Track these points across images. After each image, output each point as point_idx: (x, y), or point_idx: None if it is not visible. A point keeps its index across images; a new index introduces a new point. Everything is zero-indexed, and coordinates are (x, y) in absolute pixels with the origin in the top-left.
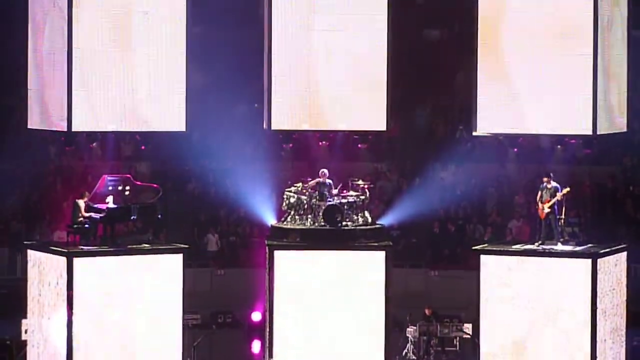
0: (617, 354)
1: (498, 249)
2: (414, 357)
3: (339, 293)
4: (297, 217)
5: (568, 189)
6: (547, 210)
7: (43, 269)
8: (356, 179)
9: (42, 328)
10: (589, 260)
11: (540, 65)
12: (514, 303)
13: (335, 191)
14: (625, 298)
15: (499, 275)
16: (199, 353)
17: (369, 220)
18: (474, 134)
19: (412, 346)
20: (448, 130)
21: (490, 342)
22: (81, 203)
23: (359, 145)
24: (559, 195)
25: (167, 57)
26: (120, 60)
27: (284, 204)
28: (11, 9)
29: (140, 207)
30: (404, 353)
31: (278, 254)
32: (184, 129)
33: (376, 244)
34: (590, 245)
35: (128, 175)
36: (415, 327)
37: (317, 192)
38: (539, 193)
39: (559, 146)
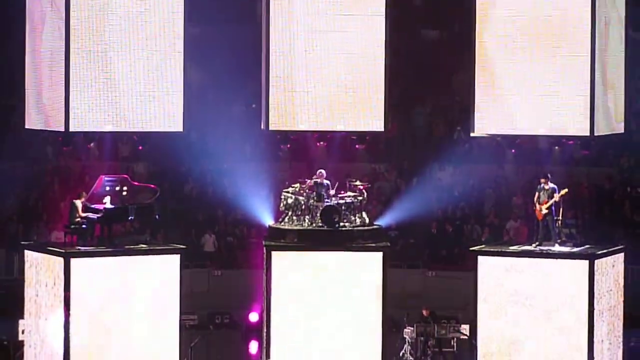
0: (614, 355)
1: (495, 249)
2: (411, 358)
3: (337, 294)
4: (294, 217)
5: (566, 190)
6: (544, 211)
7: (40, 270)
8: (354, 180)
9: (39, 329)
10: (587, 262)
11: (538, 66)
12: (511, 304)
13: (332, 192)
14: (622, 299)
15: (496, 276)
16: (196, 354)
17: (367, 221)
18: (472, 134)
19: (409, 347)
20: (446, 130)
21: (488, 343)
22: (78, 203)
23: (357, 146)
24: (556, 197)
25: (165, 57)
26: (117, 60)
27: (282, 204)
28: (10, 8)
29: (138, 207)
30: (401, 354)
31: (275, 255)
32: (181, 130)
33: (374, 245)
34: (587, 246)
35: (125, 176)
36: (412, 328)
37: (314, 192)
38: (537, 194)
39: (556, 147)
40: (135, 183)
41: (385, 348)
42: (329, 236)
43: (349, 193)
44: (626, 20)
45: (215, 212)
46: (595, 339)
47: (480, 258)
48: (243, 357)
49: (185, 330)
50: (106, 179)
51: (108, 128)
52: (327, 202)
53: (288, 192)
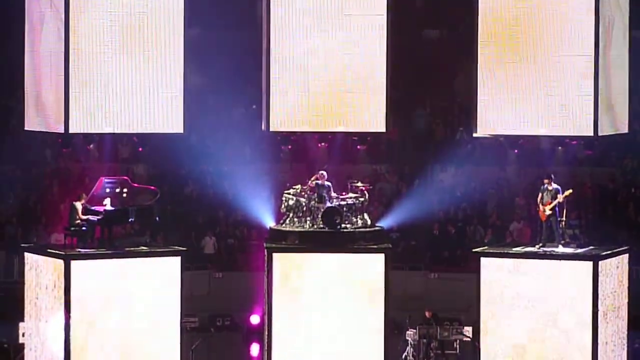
0: (619, 356)
1: (498, 251)
2: None
3: (338, 296)
4: (295, 219)
5: (570, 191)
6: (548, 212)
7: (40, 272)
8: (355, 181)
9: (39, 331)
10: (590, 263)
11: (541, 65)
12: (514, 306)
13: (334, 193)
14: (626, 300)
15: (499, 278)
16: (197, 357)
17: (368, 222)
18: (474, 135)
19: (411, 349)
20: (448, 131)
21: (491, 345)
22: (78, 205)
23: (358, 147)
24: (560, 198)
25: (165, 58)
26: (117, 62)
27: (283, 206)
28: (10, 9)
29: (138, 209)
30: (403, 356)
31: (277, 257)
32: (181, 131)
33: (375, 247)
34: (591, 247)
35: (125, 178)
36: (414, 330)
37: (315, 194)
38: (540, 195)
39: (559, 147)
40: (135, 185)
41: (387, 350)
42: (330, 238)
43: (351, 194)
44: (630, 20)
45: (216, 214)
46: (599, 341)
47: (483, 259)
48: (244, 359)
49: (186, 332)
50: (106, 180)
51: (108, 130)
52: (328, 203)
53: (289, 193)
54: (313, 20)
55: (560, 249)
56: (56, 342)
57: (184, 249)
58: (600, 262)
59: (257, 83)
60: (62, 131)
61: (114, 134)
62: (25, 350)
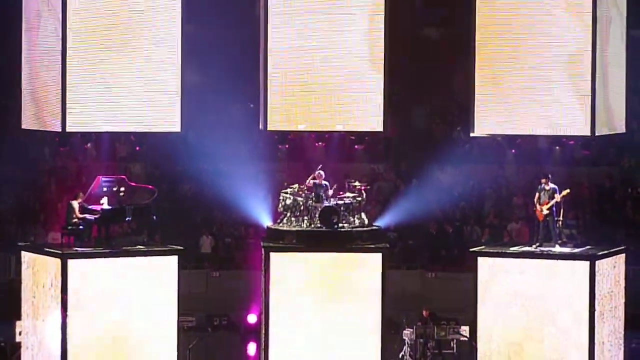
0: (615, 356)
1: (495, 250)
2: None
3: (335, 295)
4: (293, 218)
5: (567, 190)
6: (545, 212)
7: (37, 271)
8: (353, 180)
9: (36, 330)
10: (587, 263)
11: (539, 64)
12: (511, 305)
13: (331, 192)
14: (623, 300)
15: (496, 277)
16: (194, 356)
17: (366, 221)
18: (472, 134)
19: (408, 349)
20: (446, 130)
21: (488, 345)
22: (75, 204)
23: (356, 146)
24: (558, 197)
25: (162, 56)
26: (114, 60)
27: (280, 205)
28: (8, 8)
29: (135, 208)
30: (400, 356)
31: (274, 256)
32: (179, 130)
33: (373, 246)
34: (588, 247)
35: (123, 176)
36: (412, 330)
37: (313, 193)
38: (537, 194)
39: (557, 147)
40: (133, 184)
41: (384, 350)
42: (327, 237)
43: (348, 194)
44: (627, 19)
45: (213, 213)
46: (596, 341)
47: (480, 259)
48: (241, 359)
49: (183, 332)
50: (103, 179)
51: (105, 128)
52: (325, 202)
53: (286, 192)
54: (311, 19)
55: (557, 249)
56: (53, 341)
57: (181, 248)
58: (597, 262)
59: (255, 80)
60: (59, 130)
61: (111, 132)
62: (22, 349)
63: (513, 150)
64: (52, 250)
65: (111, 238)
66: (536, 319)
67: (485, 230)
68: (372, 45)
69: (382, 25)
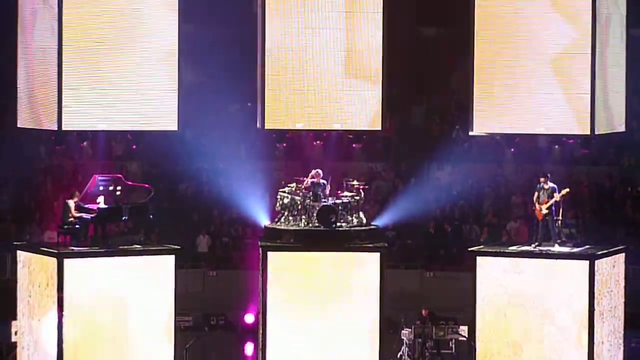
0: (615, 356)
1: (494, 250)
2: None
3: (333, 295)
4: (290, 217)
5: (567, 190)
6: (544, 211)
7: (33, 270)
8: (351, 179)
9: (32, 330)
10: (587, 262)
11: (538, 63)
12: (510, 305)
13: (329, 191)
14: (623, 300)
15: (495, 277)
16: (191, 356)
17: (364, 221)
18: (471, 133)
19: (407, 349)
20: (444, 129)
21: (486, 345)
22: (71, 203)
23: (354, 145)
24: (557, 197)
25: (159, 54)
26: (111, 58)
27: (278, 204)
28: (7, 6)
29: (132, 207)
30: (398, 356)
31: (271, 255)
32: (176, 128)
33: (371, 245)
34: (587, 246)
35: (119, 175)
36: (410, 330)
37: (311, 192)
38: (536, 194)
39: (556, 146)
40: (129, 182)
41: (382, 350)
42: (325, 236)
43: (346, 193)
44: (627, 17)
45: (211, 212)
46: (595, 340)
47: (479, 258)
48: (238, 359)
49: (179, 331)
50: (100, 178)
51: (101, 127)
52: (323, 201)
53: (284, 191)
54: (308, 17)
55: (557, 248)
56: (49, 341)
57: (178, 247)
58: (596, 262)
59: (252, 78)
60: (55, 128)
61: (107, 131)
62: (18, 349)
63: (512, 149)
64: (48, 250)
65: (107, 237)
66: (535, 319)
67: (484, 230)
68: (370, 43)
69: (380, 23)
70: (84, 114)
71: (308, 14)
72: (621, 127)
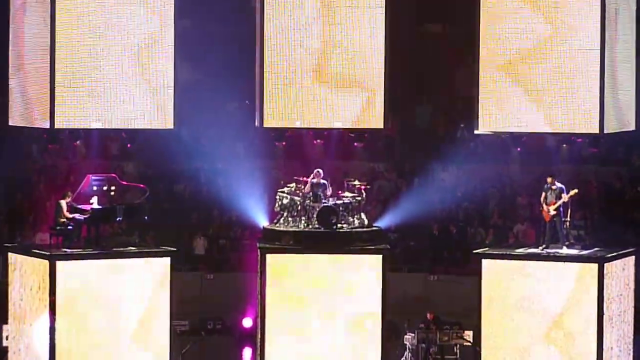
0: None
1: (500, 252)
2: None
3: (334, 298)
4: (290, 218)
5: (576, 190)
6: (552, 212)
7: (24, 272)
8: (352, 179)
9: (23, 334)
10: (596, 265)
11: (545, 60)
12: (516, 309)
13: (330, 192)
14: (633, 304)
15: (501, 280)
16: None
17: (366, 222)
18: (476, 132)
19: (410, 354)
20: (448, 128)
21: (492, 351)
22: (63, 203)
23: (355, 144)
24: (565, 197)
25: (155, 52)
26: (105, 55)
27: (277, 205)
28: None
29: (126, 207)
30: None
31: (270, 258)
32: (172, 127)
33: (373, 247)
34: (596, 248)
35: (113, 175)
36: (413, 334)
37: (311, 192)
38: (543, 194)
39: (564, 145)
40: (124, 182)
41: (385, 356)
42: (326, 238)
43: (347, 193)
44: (637, 12)
45: (208, 213)
46: (604, 346)
47: (484, 261)
48: None
49: (176, 336)
50: (93, 178)
51: (95, 125)
52: (324, 202)
53: (283, 192)
54: (308, 13)
55: (565, 250)
56: (41, 346)
57: (174, 249)
58: (605, 264)
59: (251, 75)
60: (48, 127)
61: (101, 129)
62: (9, 354)
63: (518, 149)
64: (40, 252)
65: (101, 238)
66: (542, 324)
67: (490, 231)
68: (372, 40)
69: (383, 21)
70: (77, 111)
71: (308, 10)
72: (631, 126)
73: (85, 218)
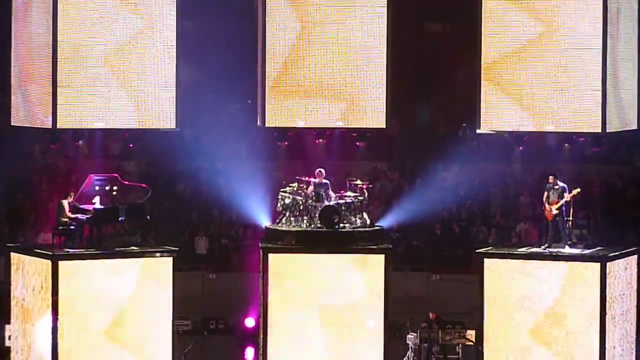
0: None
1: (502, 251)
2: None
3: (336, 298)
4: (292, 218)
5: (578, 190)
6: (554, 211)
7: (27, 273)
8: (354, 179)
9: (26, 334)
10: (598, 264)
11: (547, 59)
12: (519, 308)
13: (332, 192)
14: (635, 303)
15: (503, 279)
16: None
17: (368, 221)
18: (478, 131)
19: (412, 354)
20: (451, 127)
21: (494, 350)
22: (66, 203)
23: (357, 144)
24: (567, 197)
25: (157, 51)
26: (107, 55)
27: (279, 204)
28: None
29: (128, 207)
30: None
31: (272, 257)
32: (174, 127)
33: (375, 247)
34: (599, 248)
35: (115, 175)
36: (415, 334)
37: (313, 192)
38: (546, 193)
39: (566, 144)
40: (126, 182)
41: (387, 355)
42: (328, 238)
43: (349, 193)
44: (639, 11)
45: (210, 212)
46: (607, 345)
47: (486, 260)
48: None
49: (178, 336)
50: (95, 178)
51: (97, 125)
52: (326, 202)
53: (285, 191)
54: (310, 13)
55: (567, 250)
56: (43, 345)
57: (176, 248)
58: (608, 264)
59: (253, 75)
60: (50, 127)
61: (103, 129)
62: (12, 354)
63: (520, 148)
64: (42, 252)
65: (103, 238)
66: (545, 323)
67: (492, 231)
68: (374, 41)
69: (385, 18)
70: (80, 111)
71: (310, 7)
72: (633, 125)
73: (87, 218)
